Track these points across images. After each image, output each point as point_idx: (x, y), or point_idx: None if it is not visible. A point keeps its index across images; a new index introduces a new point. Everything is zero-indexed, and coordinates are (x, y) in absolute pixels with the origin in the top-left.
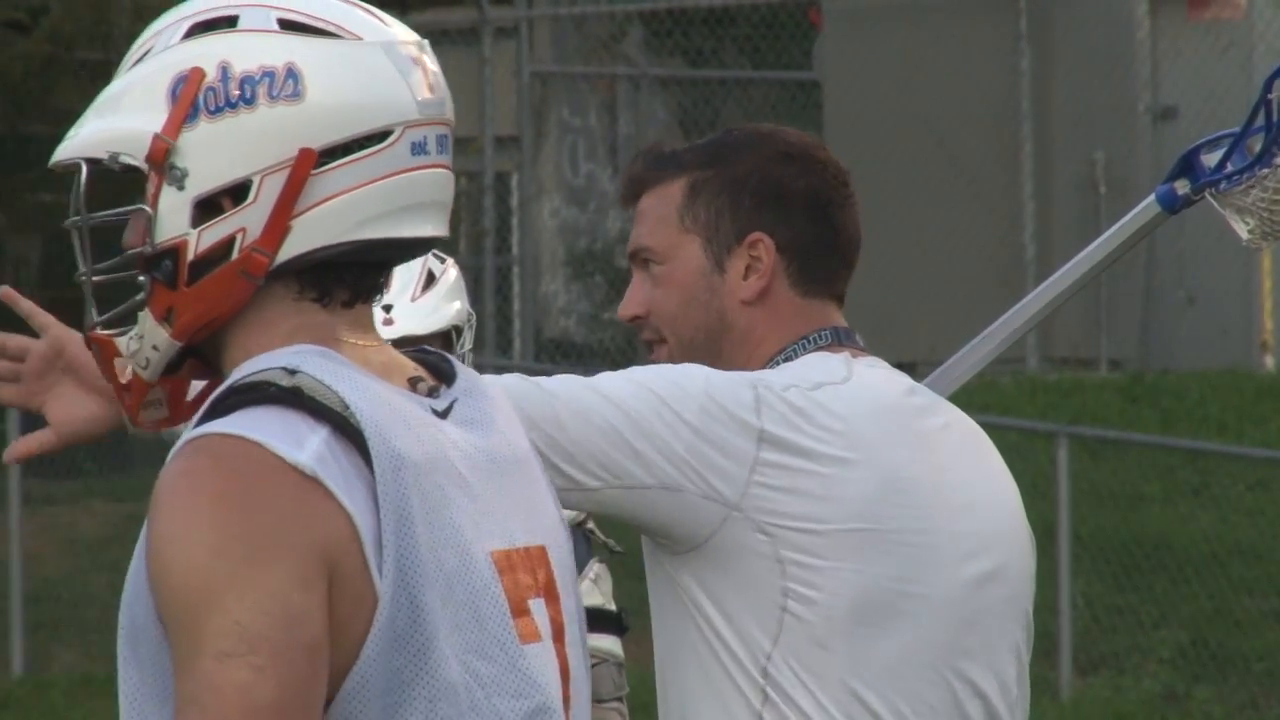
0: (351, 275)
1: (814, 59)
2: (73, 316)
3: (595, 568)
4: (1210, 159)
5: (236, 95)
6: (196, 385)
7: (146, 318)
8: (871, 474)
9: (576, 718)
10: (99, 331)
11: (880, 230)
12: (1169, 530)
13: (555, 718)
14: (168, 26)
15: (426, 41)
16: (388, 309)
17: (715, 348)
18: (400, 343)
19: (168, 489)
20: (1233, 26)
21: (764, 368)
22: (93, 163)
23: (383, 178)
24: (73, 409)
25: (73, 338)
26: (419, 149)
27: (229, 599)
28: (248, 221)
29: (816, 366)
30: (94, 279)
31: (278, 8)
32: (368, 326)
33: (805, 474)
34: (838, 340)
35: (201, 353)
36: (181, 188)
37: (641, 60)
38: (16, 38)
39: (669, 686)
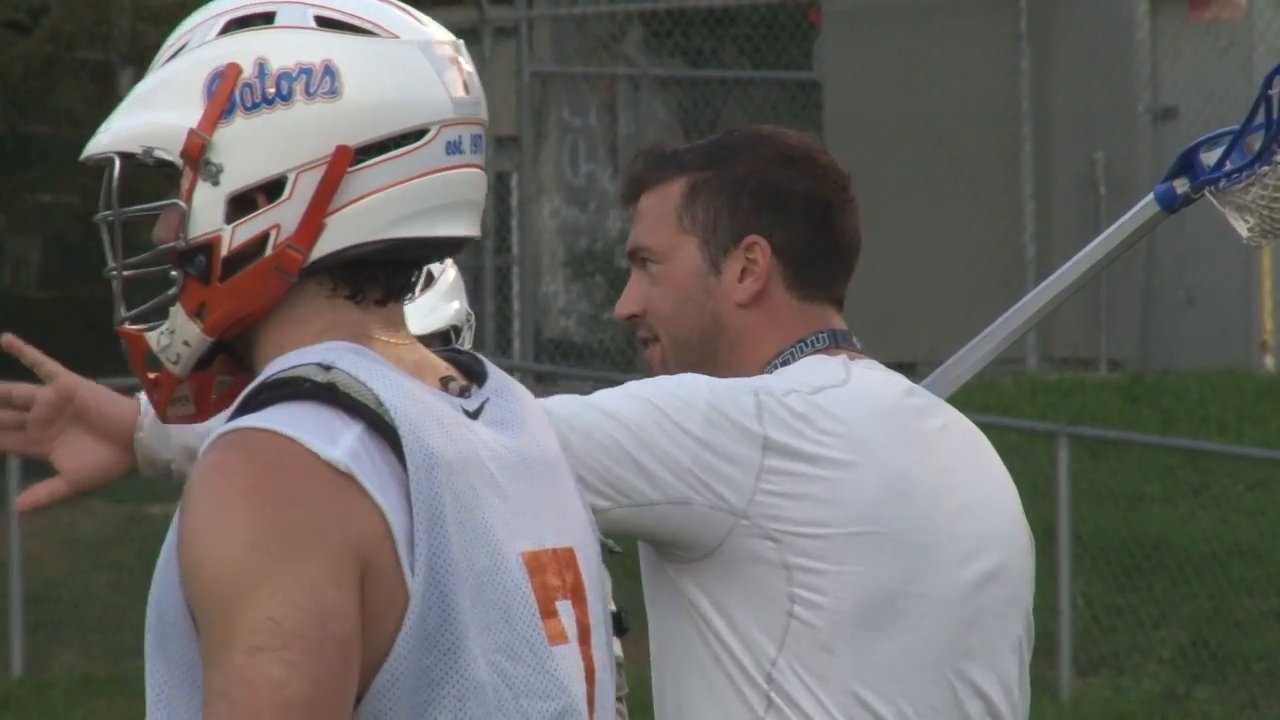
0: (385, 273)
1: (814, 59)
2: (72, 316)
3: None
4: (1209, 157)
5: (273, 92)
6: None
7: (178, 313)
8: (873, 476)
9: None
10: (128, 327)
11: (880, 230)
12: (1169, 530)
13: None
14: (203, 22)
15: (461, 41)
16: None
17: (710, 349)
18: None
19: (201, 482)
20: (1233, 26)
21: (761, 371)
22: (126, 157)
23: (418, 176)
24: (83, 456)
25: (81, 385)
26: (454, 148)
27: (262, 593)
28: (282, 218)
29: (815, 370)
30: (124, 274)
31: (315, 5)
32: (399, 325)
33: (810, 479)
34: (835, 343)
35: (232, 349)
36: (216, 183)
37: (641, 60)
38: (16, 38)
39: (666, 691)
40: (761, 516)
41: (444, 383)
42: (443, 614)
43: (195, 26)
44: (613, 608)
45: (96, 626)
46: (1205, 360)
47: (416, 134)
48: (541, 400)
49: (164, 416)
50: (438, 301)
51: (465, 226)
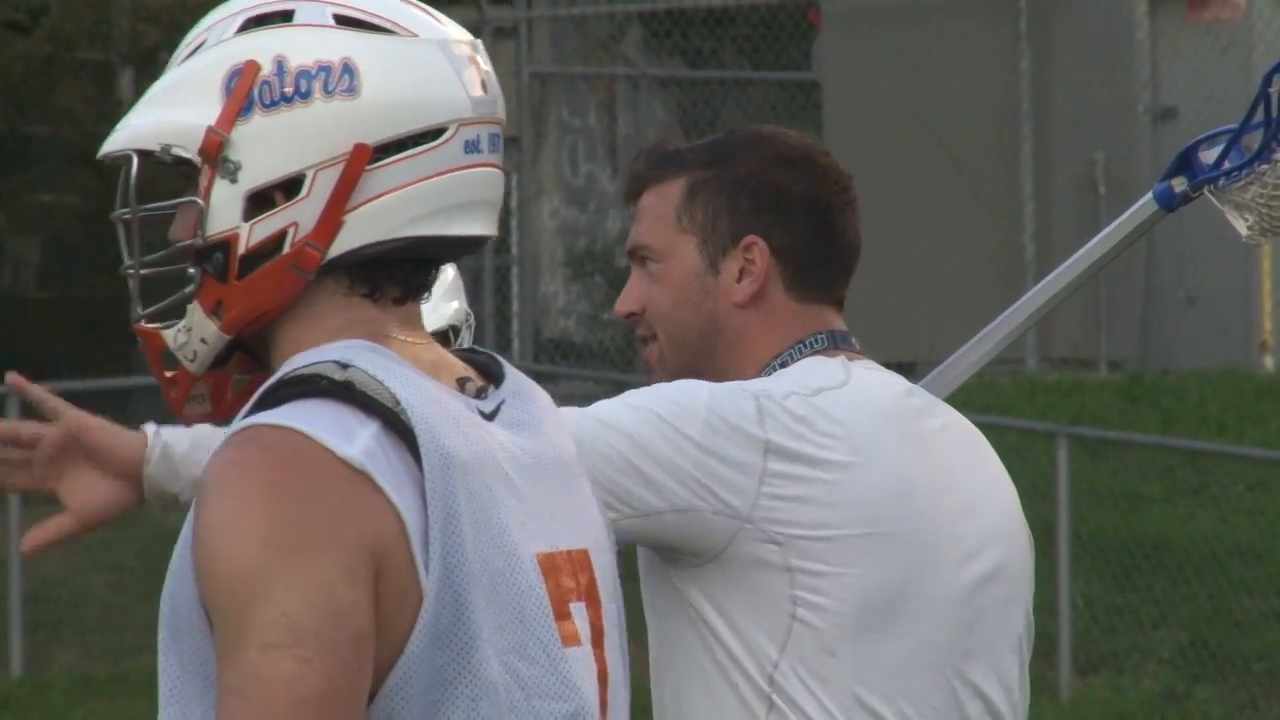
0: (402, 272)
1: (813, 59)
2: (72, 316)
3: None
4: (1208, 156)
5: (292, 89)
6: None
7: (195, 310)
8: (875, 477)
9: None
10: (145, 325)
11: (880, 230)
12: (1169, 530)
13: None
14: (221, 20)
15: (480, 41)
16: None
17: (708, 349)
18: None
19: (217, 478)
20: (1232, 27)
21: (760, 372)
22: (143, 155)
23: (436, 175)
24: (91, 493)
25: (86, 422)
26: (472, 147)
27: (276, 590)
28: (300, 216)
29: (814, 371)
30: (141, 272)
31: (334, 3)
32: (416, 324)
33: (812, 481)
34: (834, 344)
35: (249, 347)
36: (234, 181)
37: (641, 61)
38: (16, 38)
39: (666, 695)
40: (765, 520)
41: (461, 383)
42: (456, 613)
43: (213, 25)
44: None
45: (96, 626)
46: (1205, 360)
47: (435, 132)
48: None
49: (180, 415)
50: (436, 301)
51: (482, 225)
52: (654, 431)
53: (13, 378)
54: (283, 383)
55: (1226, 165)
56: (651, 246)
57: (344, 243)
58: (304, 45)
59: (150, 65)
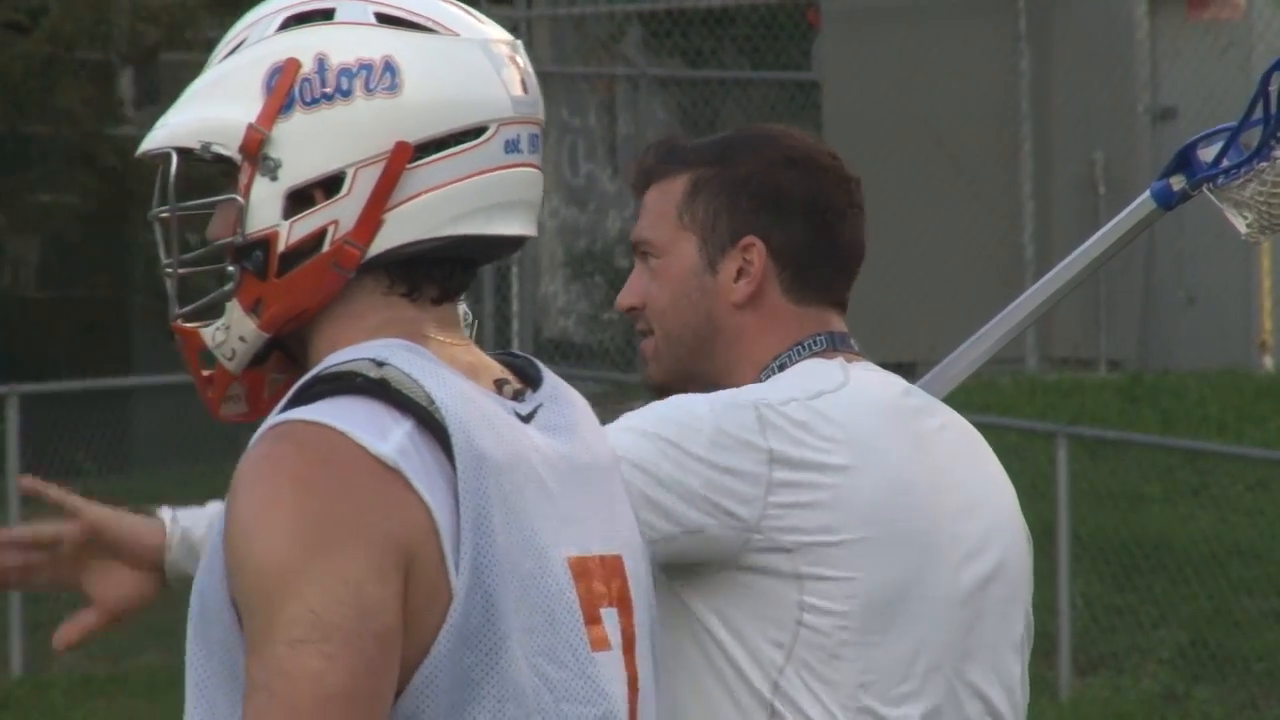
0: (441, 272)
1: (813, 59)
2: (72, 316)
3: None
4: (1207, 154)
5: (333, 87)
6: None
7: (234, 309)
8: (877, 478)
9: None
10: (183, 323)
11: (880, 230)
12: (1168, 530)
13: None
14: (262, 18)
15: (519, 41)
16: None
17: (705, 348)
18: None
19: (250, 472)
20: (1232, 27)
21: (758, 374)
22: (183, 152)
23: (476, 174)
24: (116, 586)
25: (105, 517)
26: (512, 147)
27: (304, 586)
28: (340, 214)
29: (813, 374)
30: (180, 270)
31: (375, 2)
32: (454, 325)
33: (816, 487)
34: (832, 345)
35: (286, 346)
36: (274, 179)
37: (640, 60)
38: (16, 38)
39: (662, 707)
40: (773, 529)
41: (498, 385)
42: (485, 614)
43: (253, 23)
44: None
45: None
46: (1205, 360)
47: (475, 131)
48: None
49: (216, 414)
50: None
51: (521, 225)
52: (659, 454)
53: (28, 481)
54: (318, 379)
55: (1225, 163)
56: (652, 242)
57: (384, 241)
58: (345, 43)
59: (150, 65)
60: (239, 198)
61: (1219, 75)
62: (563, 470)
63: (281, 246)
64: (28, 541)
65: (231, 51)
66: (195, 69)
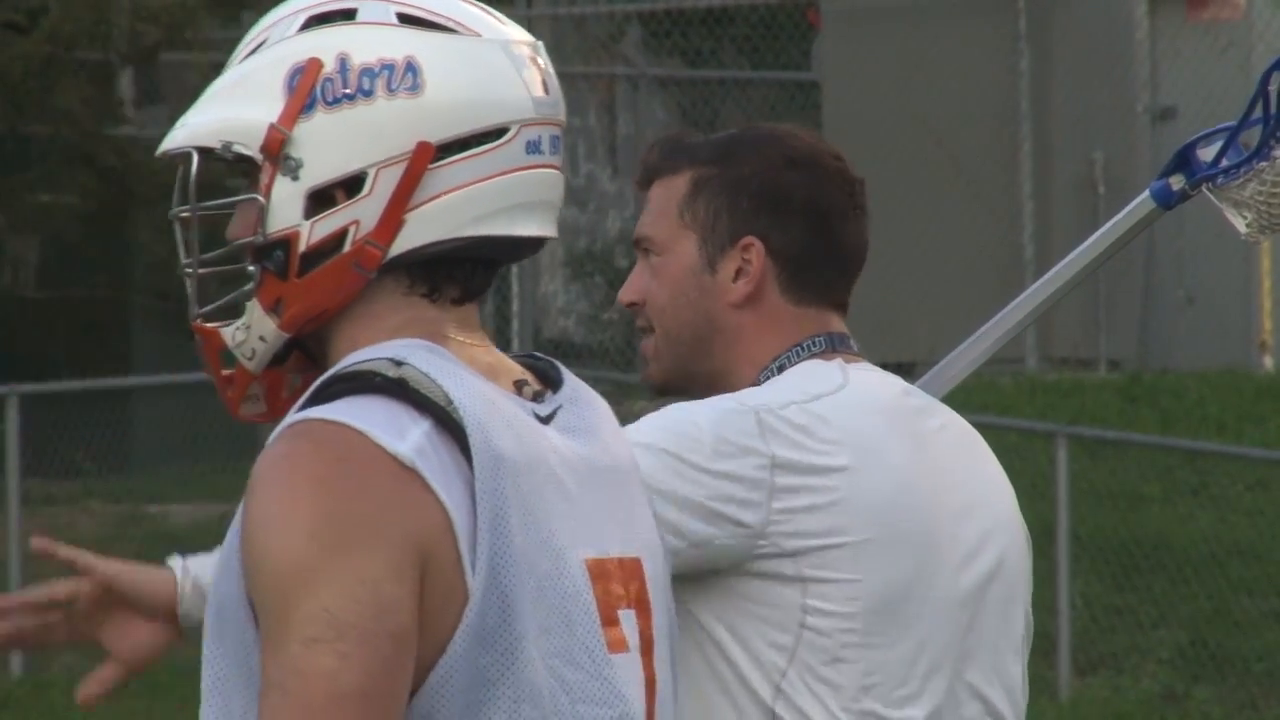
0: (462, 272)
1: (813, 59)
2: (71, 316)
3: None
4: (1206, 153)
5: (355, 87)
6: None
7: (254, 308)
8: (879, 479)
9: None
10: (203, 323)
11: (880, 230)
12: (1168, 530)
13: None
14: (283, 18)
15: (540, 43)
16: None
17: (703, 347)
18: None
19: (267, 471)
20: (1231, 27)
21: (757, 375)
22: (204, 152)
23: (498, 175)
24: (133, 637)
25: (118, 572)
26: (534, 148)
27: (320, 584)
28: (361, 214)
29: (811, 376)
30: (200, 271)
31: (397, 2)
32: (475, 326)
33: (819, 490)
34: (831, 346)
35: (305, 346)
36: (296, 178)
37: (640, 60)
38: (16, 38)
39: None
40: (778, 534)
41: (518, 386)
42: (502, 614)
43: (274, 23)
44: None
45: None
46: (1204, 360)
47: (497, 132)
48: None
49: (236, 414)
50: None
51: (541, 226)
52: (662, 469)
53: (39, 542)
54: (336, 378)
55: (1224, 163)
56: (653, 239)
57: (405, 241)
58: (367, 43)
59: (150, 65)
60: (260, 197)
61: (1219, 75)
62: (582, 472)
63: (302, 246)
64: (43, 602)
65: (252, 51)
66: (195, 69)
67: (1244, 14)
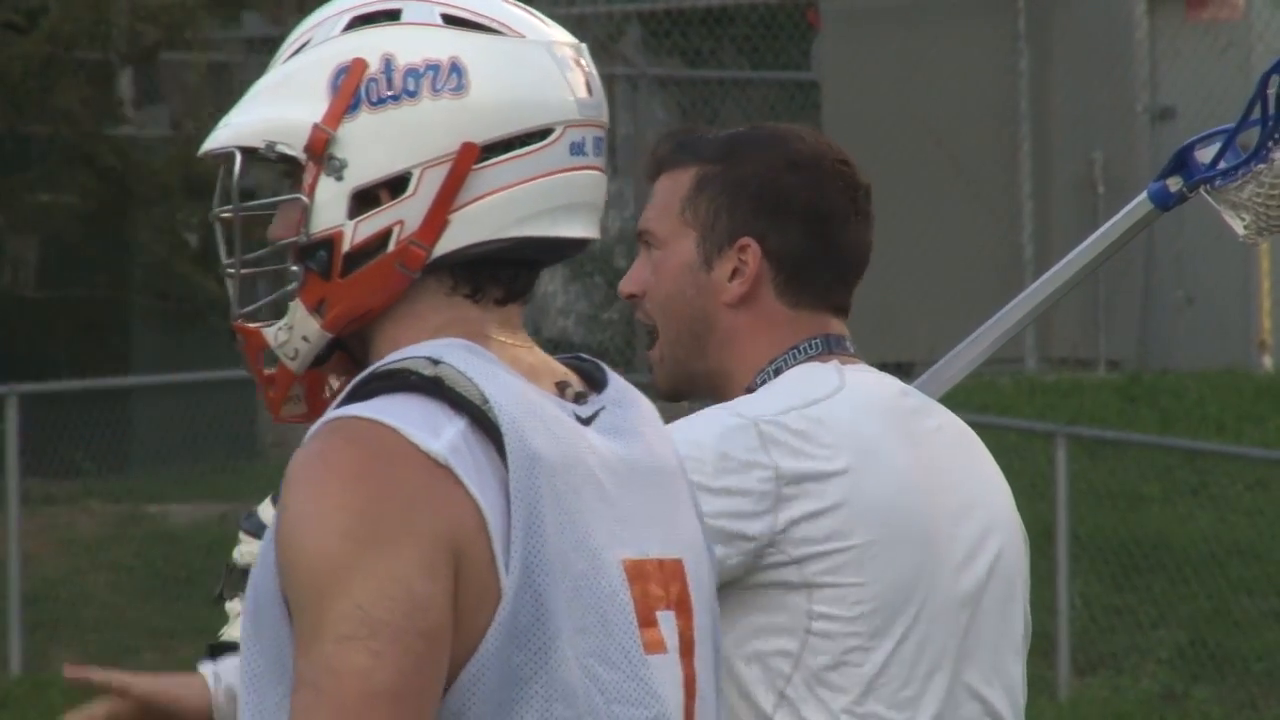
0: (506, 273)
1: (812, 59)
2: (71, 316)
3: None
4: (1204, 155)
5: (399, 87)
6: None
7: (297, 309)
8: (879, 480)
9: None
10: (244, 323)
11: (879, 230)
12: (1167, 530)
13: None
14: (327, 19)
15: (584, 45)
16: None
17: (700, 346)
18: None
19: (302, 468)
20: (1231, 27)
21: (754, 377)
22: (247, 152)
23: (542, 176)
24: None
25: (153, 687)
26: (578, 149)
27: (353, 582)
28: (406, 214)
29: (808, 379)
30: (243, 271)
31: (441, 3)
32: (517, 326)
33: (821, 495)
34: (827, 349)
35: (348, 346)
36: (340, 178)
37: (640, 60)
38: (16, 38)
39: None
40: (784, 543)
41: (560, 387)
42: (535, 613)
43: (318, 24)
44: None
45: (95, 626)
46: (1204, 360)
47: (541, 133)
48: None
49: (277, 415)
50: None
51: (585, 228)
52: None
53: (72, 670)
54: (373, 376)
55: (1222, 165)
56: (655, 234)
57: (449, 242)
58: (412, 44)
59: (149, 65)
60: (303, 197)
61: (1218, 75)
62: (622, 473)
63: (346, 246)
64: None
65: (296, 52)
66: (194, 69)
67: (1243, 14)
